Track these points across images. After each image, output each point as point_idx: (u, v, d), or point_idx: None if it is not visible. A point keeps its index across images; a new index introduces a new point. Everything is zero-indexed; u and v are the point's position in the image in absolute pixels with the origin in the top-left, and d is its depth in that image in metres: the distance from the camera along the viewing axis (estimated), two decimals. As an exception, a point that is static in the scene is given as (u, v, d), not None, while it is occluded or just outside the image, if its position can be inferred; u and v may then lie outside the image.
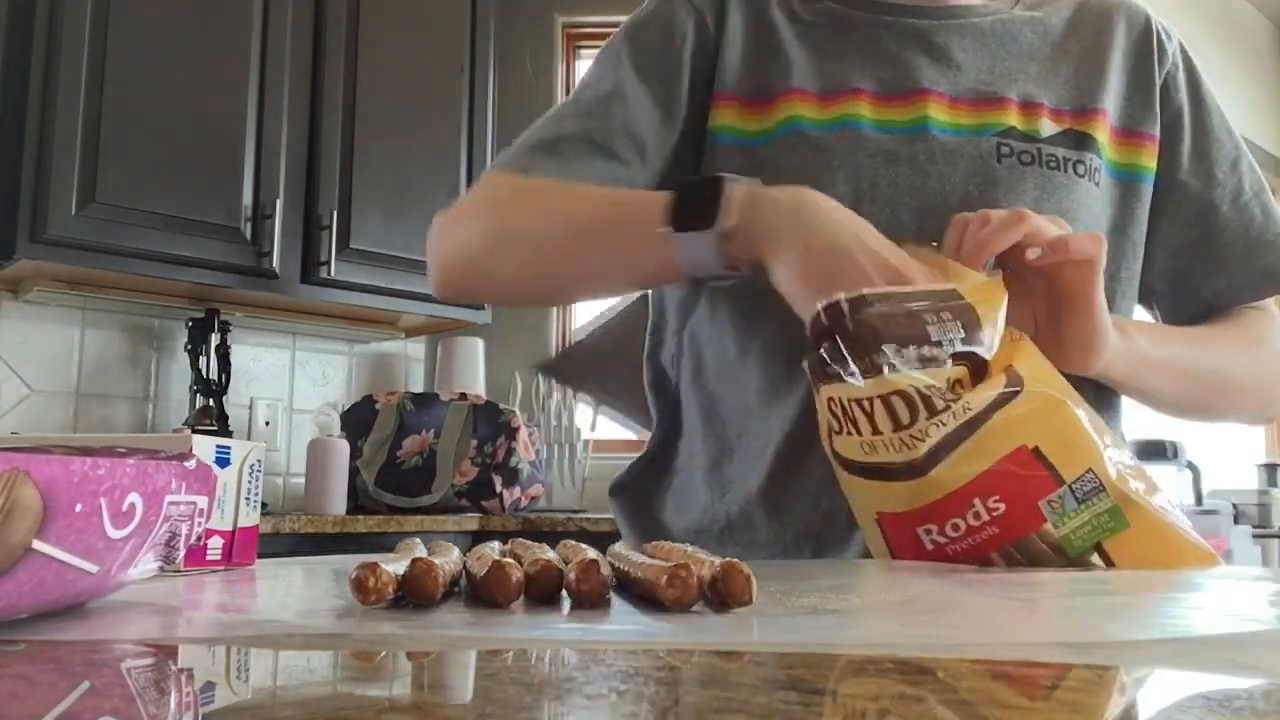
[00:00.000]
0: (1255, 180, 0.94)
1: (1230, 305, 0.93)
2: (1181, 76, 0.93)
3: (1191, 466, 3.21)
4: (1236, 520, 3.32)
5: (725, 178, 0.73)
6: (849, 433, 0.65)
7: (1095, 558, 0.64)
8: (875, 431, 0.64)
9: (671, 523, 0.90)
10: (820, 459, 0.72)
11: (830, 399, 0.66)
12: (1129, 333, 0.79)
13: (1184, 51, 0.95)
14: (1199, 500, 3.26)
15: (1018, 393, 0.64)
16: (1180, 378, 0.85)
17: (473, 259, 0.86)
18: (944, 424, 0.62)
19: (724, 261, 0.73)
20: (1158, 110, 0.91)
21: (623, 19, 0.96)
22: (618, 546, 0.49)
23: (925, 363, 0.63)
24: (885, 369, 0.63)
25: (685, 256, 0.74)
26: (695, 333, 0.90)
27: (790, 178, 0.81)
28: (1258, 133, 4.38)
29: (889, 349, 0.63)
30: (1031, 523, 0.63)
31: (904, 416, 0.63)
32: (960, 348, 0.64)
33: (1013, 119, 0.86)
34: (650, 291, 0.96)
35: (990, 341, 0.65)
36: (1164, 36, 0.94)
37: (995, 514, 0.63)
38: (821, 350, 0.65)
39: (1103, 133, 0.88)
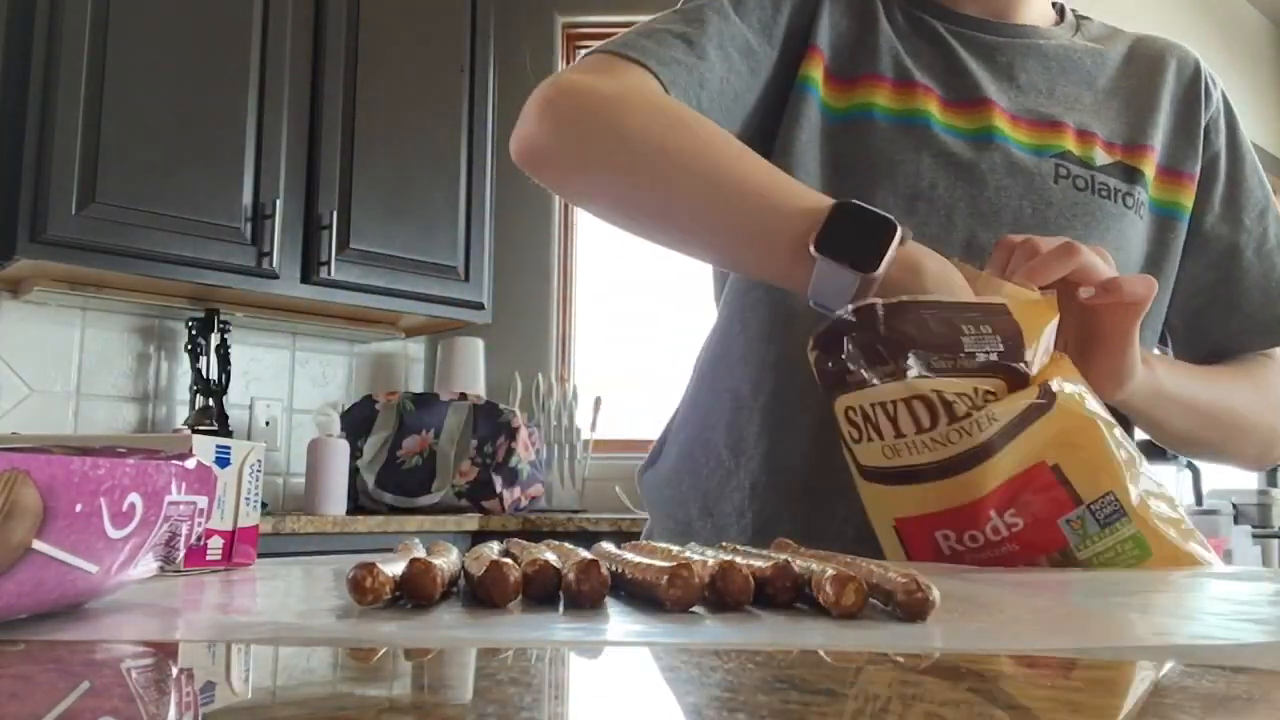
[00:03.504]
0: None
1: (1240, 349, 0.95)
2: (1222, 122, 0.96)
3: (1191, 466, 3.21)
4: (1236, 520, 3.32)
5: (895, 225, 0.67)
6: (869, 438, 0.65)
7: None
8: (898, 434, 0.63)
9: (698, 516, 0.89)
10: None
11: (849, 408, 0.65)
12: (1152, 365, 0.80)
13: (1225, 99, 0.98)
14: (1199, 500, 3.26)
15: (1047, 407, 0.63)
16: (1193, 414, 0.86)
17: (581, 148, 0.76)
18: (969, 432, 0.62)
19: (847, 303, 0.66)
20: (1200, 152, 0.94)
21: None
22: (606, 546, 0.49)
23: (956, 373, 0.63)
24: (909, 374, 0.62)
25: (815, 280, 0.67)
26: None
27: (853, 162, 0.82)
28: (1258, 133, 4.38)
29: (915, 355, 0.62)
30: (1052, 542, 0.63)
31: (924, 420, 0.62)
32: (997, 361, 0.63)
33: (1069, 144, 0.88)
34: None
35: (1034, 359, 0.65)
36: (1210, 83, 0.97)
37: (1014, 529, 0.63)
38: (843, 355, 0.64)
39: (1150, 168, 0.91)
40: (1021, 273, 0.69)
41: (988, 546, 0.63)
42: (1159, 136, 0.92)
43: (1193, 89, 0.95)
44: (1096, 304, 0.70)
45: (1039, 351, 0.65)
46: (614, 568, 0.41)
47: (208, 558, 0.56)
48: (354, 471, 2.57)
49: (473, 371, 2.92)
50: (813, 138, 0.86)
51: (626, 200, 0.77)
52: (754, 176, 0.72)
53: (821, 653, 0.30)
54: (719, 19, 0.83)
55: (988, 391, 0.63)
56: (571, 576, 0.39)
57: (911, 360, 0.62)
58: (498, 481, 2.57)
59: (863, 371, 0.64)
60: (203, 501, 0.40)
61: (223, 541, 0.57)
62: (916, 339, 0.63)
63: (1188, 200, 0.93)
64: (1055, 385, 0.64)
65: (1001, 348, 0.64)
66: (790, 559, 0.41)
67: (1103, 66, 0.93)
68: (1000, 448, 0.62)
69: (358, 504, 2.59)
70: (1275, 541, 3.39)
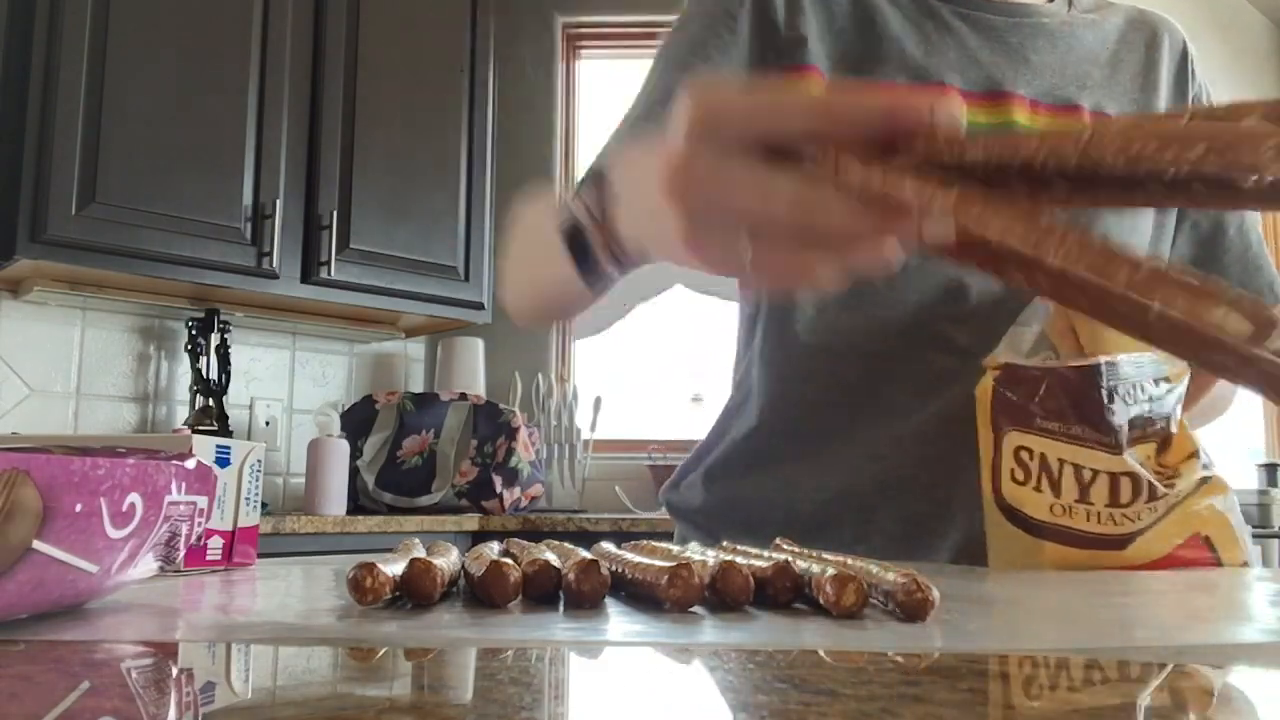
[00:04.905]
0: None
1: None
2: (1205, 99, 0.96)
3: (1191, 466, 3.21)
4: (1236, 520, 3.32)
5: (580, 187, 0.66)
6: (1037, 487, 0.61)
7: None
8: (1083, 500, 0.60)
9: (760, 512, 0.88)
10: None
11: (1023, 448, 0.61)
12: None
13: (1201, 74, 0.98)
14: (1199, 500, 3.26)
15: (1208, 479, 0.63)
16: (1194, 412, 0.86)
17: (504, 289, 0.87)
18: (1155, 510, 0.61)
19: (618, 263, 0.63)
20: None
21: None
22: (606, 546, 0.49)
23: (1145, 440, 0.62)
24: (1126, 450, 0.61)
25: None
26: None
27: None
28: (1258, 133, 4.38)
29: (1128, 426, 0.61)
30: None
31: (1125, 496, 0.60)
32: (1167, 428, 0.63)
33: None
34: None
35: (1178, 416, 0.64)
36: (1193, 59, 0.97)
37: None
38: (1037, 398, 0.61)
39: None
40: None
41: None
42: None
43: (1182, 66, 0.96)
44: None
45: (1180, 408, 0.65)
46: (614, 568, 0.41)
47: (208, 558, 0.56)
48: (354, 471, 2.57)
49: (473, 371, 2.92)
50: None
51: (533, 313, 0.84)
52: (539, 235, 0.73)
53: (821, 653, 0.30)
54: (675, 72, 0.83)
55: (1148, 455, 0.62)
56: (571, 576, 0.39)
57: (1128, 432, 0.61)
58: (498, 481, 2.57)
59: (1076, 429, 0.61)
60: (203, 501, 0.40)
61: (223, 541, 0.57)
62: (1131, 408, 0.61)
63: None
64: (1204, 455, 0.64)
65: (1168, 411, 0.63)
66: (790, 559, 0.41)
67: (1103, 39, 0.93)
68: (1166, 519, 0.61)
69: (358, 504, 2.59)
70: (1275, 541, 3.39)
